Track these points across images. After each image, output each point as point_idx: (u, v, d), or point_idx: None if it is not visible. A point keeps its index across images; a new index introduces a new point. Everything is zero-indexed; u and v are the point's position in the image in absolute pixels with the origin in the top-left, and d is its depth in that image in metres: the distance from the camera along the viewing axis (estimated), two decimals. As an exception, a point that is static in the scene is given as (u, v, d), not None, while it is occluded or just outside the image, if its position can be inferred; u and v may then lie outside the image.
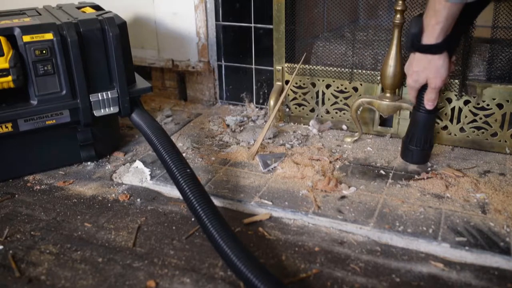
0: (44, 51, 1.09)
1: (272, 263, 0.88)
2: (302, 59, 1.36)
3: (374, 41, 1.32)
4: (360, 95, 1.35)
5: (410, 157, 1.17)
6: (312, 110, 1.45)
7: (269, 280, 0.75)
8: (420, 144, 1.13)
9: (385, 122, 1.37)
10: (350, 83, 1.36)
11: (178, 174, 0.97)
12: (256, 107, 1.62)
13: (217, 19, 1.58)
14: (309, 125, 1.44)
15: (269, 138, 1.36)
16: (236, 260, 0.79)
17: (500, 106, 1.21)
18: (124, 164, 1.26)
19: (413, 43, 0.99)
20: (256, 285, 0.75)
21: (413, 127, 1.13)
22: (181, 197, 1.10)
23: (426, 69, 1.00)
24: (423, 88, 1.07)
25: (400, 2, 1.18)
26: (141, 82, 1.29)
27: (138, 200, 1.10)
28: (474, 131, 1.26)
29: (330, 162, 1.20)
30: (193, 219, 1.02)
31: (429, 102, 1.07)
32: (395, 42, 1.21)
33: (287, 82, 1.44)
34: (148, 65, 1.71)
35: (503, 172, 1.15)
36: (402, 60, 1.23)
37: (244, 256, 0.80)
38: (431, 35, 0.94)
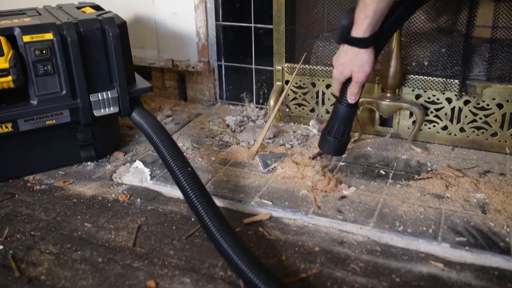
0: (44, 51, 1.09)
1: (272, 263, 0.88)
2: (302, 59, 1.36)
3: None
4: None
5: (327, 147, 1.14)
6: (312, 110, 1.45)
7: (269, 280, 0.75)
8: (338, 136, 1.11)
9: (385, 122, 1.37)
10: (350, 83, 1.36)
11: (178, 172, 0.97)
12: (256, 107, 1.62)
13: (217, 19, 1.58)
14: (309, 125, 1.44)
15: (269, 138, 1.36)
16: (236, 259, 0.79)
17: (500, 106, 1.21)
18: (124, 164, 1.26)
19: (342, 35, 0.99)
20: (257, 284, 0.75)
21: (333, 119, 1.12)
22: (181, 197, 1.10)
23: (352, 62, 1.00)
24: (348, 82, 1.07)
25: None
26: (141, 82, 1.29)
27: (138, 200, 1.10)
28: (474, 131, 1.26)
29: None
30: (193, 219, 1.02)
31: (351, 96, 1.06)
32: (395, 42, 1.21)
33: (287, 82, 1.44)
34: (148, 65, 1.71)
35: (503, 172, 1.15)
36: (402, 60, 1.23)
37: (245, 256, 0.80)
38: (360, 28, 0.95)
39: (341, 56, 1.03)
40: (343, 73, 1.03)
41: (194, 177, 0.97)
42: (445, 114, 1.27)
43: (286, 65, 1.42)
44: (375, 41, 0.97)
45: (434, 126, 1.30)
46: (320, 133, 1.39)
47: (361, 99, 1.29)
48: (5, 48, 1.06)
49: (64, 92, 1.14)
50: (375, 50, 1.00)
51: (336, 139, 1.11)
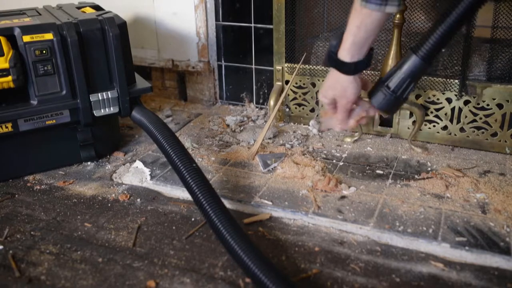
0: (44, 51, 1.09)
1: (272, 263, 0.88)
2: (302, 59, 1.36)
3: (374, 41, 1.32)
4: (360, 95, 1.34)
5: (379, 99, 0.95)
6: (312, 110, 1.45)
7: (277, 277, 0.76)
8: (398, 90, 0.93)
9: (385, 122, 1.37)
10: (350, 83, 1.36)
11: (182, 167, 0.97)
12: (256, 107, 1.62)
13: (217, 19, 1.58)
14: (309, 125, 1.44)
15: (269, 138, 1.36)
16: (246, 258, 0.80)
17: (500, 106, 1.21)
18: (124, 164, 1.26)
19: (327, 55, 0.91)
20: (263, 280, 0.76)
21: (399, 69, 0.93)
22: (181, 197, 1.10)
23: (333, 88, 0.92)
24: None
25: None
26: (141, 82, 1.29)
27: (138, 200, 1.10)
28: (474, 131, 1.26)
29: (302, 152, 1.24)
30: (193, 219, 1.02)
31: (337, 123, 0.96)
32: (395, 42, 1.21)
33: (287, 82, 1.44)
34: (148, 65, 1.71)
35: (503, 172, 1.15)
36: (402, 60, 1.23)
37: (253, 253, 0.80)
38: (343, 47, 0.87)
39: (327, 78, 0.95)
40: (326, 96, 0.95)
41: (199, 173, 0.97)
42: (445, 114, 1.27)
43: (286, 65, 1.42)
44: (360, 71, 0.89)
45: (434, 126, 1.30)
46: (319, 132, 1.39)
47: (361, 99, 1.29)
48: (5, 48, 1.06)
49: (64, 92, 1.14)
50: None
51: (394, 93, 0.92)
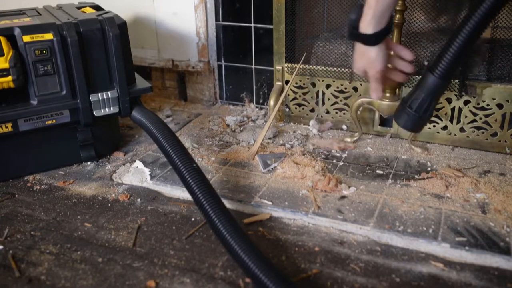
0: (44, 51, 1.09)
1: (273, 263, 0.88)
2: (302, 59, 1.36)
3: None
4: (360, 95, 1.35)
5: (404, 120, 0.99)
6: (312, 110, 1.45)
7: (277, 277, 0.76)
8: (420, 110, 0.96)
9: (385, 122, 1.37)
10: (350, 83, 1.36)
11: (182, 167, 0.97)
12: (256, 107, 1.62)
13: (217, 19, 1.58)
14: (309, 125, 1.44)
15: (269, 138, 1.36)
16: (246, 258, 0.80)
17: (500, 106, 1.21)
18: (124, 164, 1.26)
19: (349, 30, 0.95)
20: (263, 280, 0.76)
21: (419, 89, 0.97)
22: (181, 197, 1.10)
23: (361, 58, 0.97)
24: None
25: (400, 2, 1.18)
26: (141, 82, 1.29)
27: (138, 200, 1.10)
28: (474, 131, 1.26)
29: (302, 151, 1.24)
30: (193, 219, 1.02)
31: (372, 92, 1.00)
32: (395, 42, 1.21)
33: (287, 82, 1.44)
34: (148, 65, 1.71)
35: (503, 172, 1.15)
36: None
37: (254, 253, 0.80)
38: (364, 21, 0.91)
39: (355, 51, 0.99)
40: (358, 68, 0.99)
41: (199, 173, 0.97)
42: (445, 114, 1.27)
43: (286, 65, 1.42)
44: (382, 40, 0.92)
45: (434, 126, 1.30)
46: (319, 132, 1.39)
47: (361, 99, 1.30)
48: (5, 48, 1.06)
49: (64, 92, 1.14)
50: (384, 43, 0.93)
51: (417, 113, 0.95)
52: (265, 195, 1.08)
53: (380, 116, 1.35)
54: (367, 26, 0.90)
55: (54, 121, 1.16)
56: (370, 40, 0.92)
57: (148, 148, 1.34)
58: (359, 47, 0.95)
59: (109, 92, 1.19)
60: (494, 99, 1.21)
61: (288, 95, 1.45)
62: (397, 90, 1.29)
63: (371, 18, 0.89)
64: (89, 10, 1.28)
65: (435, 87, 0.92)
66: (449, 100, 1.26)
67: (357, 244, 0.93)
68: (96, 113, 1.19)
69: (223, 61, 1.63)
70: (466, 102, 1.25)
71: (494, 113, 1.22)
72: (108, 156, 1.30)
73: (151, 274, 0.86)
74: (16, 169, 1.19)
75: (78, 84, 1.15)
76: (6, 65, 1.06)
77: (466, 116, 1.26)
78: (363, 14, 0.91)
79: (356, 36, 0.93)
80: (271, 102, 1.41)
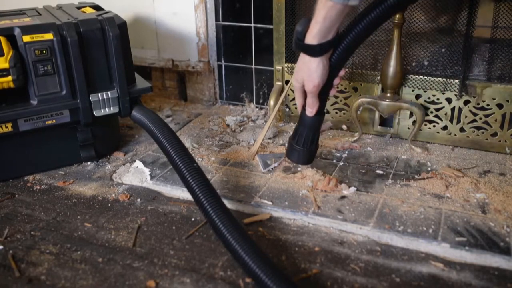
0: (44, 51, 1.09)
1: (274, 263, 0.88)
2: (302, 59, 1.36)
3: (374, 41, 1.32)
4: (360, 95, 1.35)
5: (296, 157, 1.10)
6: (312, 110, 1.45)
7: (278, 276, 0.76)
8: (307, 145, 1.06)
9: (385, 122, 1.37)
10: (350, 83, 1.36)
11: (183, 166, 0.97)
12: (256, 107, 1.62)
13: (217, 19, 1.58)
14: (309, 125, 1.44)
15: (269, 138, 1.36)
16: (248, 258, 0.80)
17: (500, 106, 1.21)
18: (124, 164, 1.26)
19: (295, 41, 0.95)
20: (264, 280, 0.76)
21: (300, 127, 1.06)
22: (181, 197, 1.10)
23: (301, 70, 0.97)
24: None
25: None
26: (141, 82, 1.29)
27: (138, 200, 1.10)
28: (474, 131, 1.26)
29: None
30: (193, 219, 1.02)
31: (307, 107, 1.01)
32: (395, 42, 1.21)
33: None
34: (148, 65, 1.71)
35: (503, 172, 1.15)
36: (402, 60, 1.23)
37: (255, 253, 0.80)
38: (310, 34, 0.91)
39: (298, 62, 0.99)
40: (298, 80, 1.00)
41: (200, 173, 0.97)
42: (445, 114, 1.27)
43: (286, 65, 1.42)
44: (326, 51, 0.93)
45: (434, 126, 1.30)
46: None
47: (361, 99, 1.30)
48: (5, 48, 1.06)
49: (64, 92, 1.14)
50: (335, 64, 0.96)
51: (304, 148, 1.07)
52: (265, 195, 1.08)
53: (380, 116, 1.35)
54: (312, 39, 0.91)
55: (54, 121, 1.16)
56: (314, 50, 0.92)
57: (148, 148, 1.34)
58: (302, 57, 0.96)
59: (109, 92, 1.19)
60: (494, 99, 1.21)
61: (288, 95, 1.45)
62: (397, 90, 1.29)
63: (317, 32, 0.90)
64: (89, 10, 1.28)
65: (313, 122, 1.04)
66: (449, 100, 1.26)
67: (357, 244, 0.93)
68: (96, 113, 1.19)
69: (223, 61, 1.63)
70: (466, 102, 1.25)
71: (494, 113, 1.22)
72: (108, 156, 1.30)
73: (151, 274, 0.86)
74: (16, 169, 1.19)
75: (78, 84, 1.15)
76: (6, 65, 1.06)
77: (466, 116, 1.26)
78: (309, 27, 0.91)
79: (301, 46, 0.94)
80: (271, 102, 1.41)
